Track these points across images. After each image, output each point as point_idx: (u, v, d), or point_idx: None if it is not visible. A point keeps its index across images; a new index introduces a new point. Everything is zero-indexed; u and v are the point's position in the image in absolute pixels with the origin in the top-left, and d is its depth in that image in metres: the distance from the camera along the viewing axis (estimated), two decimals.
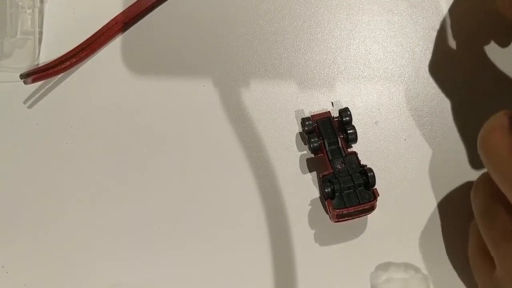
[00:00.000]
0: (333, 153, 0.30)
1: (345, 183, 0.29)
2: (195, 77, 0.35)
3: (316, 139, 0.31)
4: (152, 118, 0.34)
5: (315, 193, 0.32)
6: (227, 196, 0.33)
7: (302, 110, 0.34)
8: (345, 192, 0.29)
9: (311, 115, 0.32)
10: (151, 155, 0.34)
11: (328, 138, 0.30)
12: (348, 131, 0.31)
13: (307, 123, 0.31)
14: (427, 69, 0.34)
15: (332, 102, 0.34)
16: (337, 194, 0.29)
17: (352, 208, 0.28)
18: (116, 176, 0.33)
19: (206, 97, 0.35)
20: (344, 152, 0.30)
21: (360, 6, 0.36)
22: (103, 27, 0.36)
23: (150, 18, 0.37)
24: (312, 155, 0.32)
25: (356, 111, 0.34)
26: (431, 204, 0.32)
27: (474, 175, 0.32)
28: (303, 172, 0.33)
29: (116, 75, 0.35)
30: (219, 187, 0.33)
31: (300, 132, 0.33)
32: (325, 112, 0.32)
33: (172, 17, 0.37)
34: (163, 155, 0.34)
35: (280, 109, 0.34)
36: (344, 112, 0.31)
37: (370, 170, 0.29)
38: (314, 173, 0.33)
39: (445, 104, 0.34)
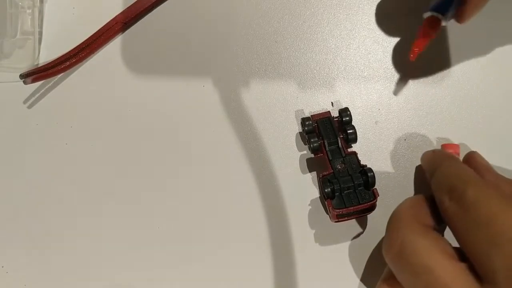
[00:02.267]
0: (333, 153, 0.30)
1: (345, 183, 0.29)
2: (195, 77, 0.35)
3: (316, 139, 0.30)
4: (152, 118, 0.34)
5: (315, 193, 0.32)
6: (227, 196, 0.33)
7: (302, 110, 0.34)
8: (345, 192, 0.29)
9: (311, 115, 0.32)
10: (151, 155, 0.34)
11: (328, 138, 0.30)
12: (348, 131, 0.31)
13: (307, 123, 0.31)
14: (427, 69, 0.34)
15: (332, 102, 0.34)
16: (337, 194, 0.29)
17: (352, 208, 0.28)
18: (116, 176, 0.33)
19: (206, 97, 0.35)
20: (344, 152, 0.30)
21: (360, 6, 0.36)
22: (103, 27, 0.36)
23: (150, 18, 0.37)
24: (312, 155, 0.32)
25: (356, 111, 0.34)
26: None
27: None
28: (303, 172, 0.33)
29: (116, 75, 0.35)
30: (219, 187, 0.33)
31: (300, 132, 0.33)
32: (325, 112, 0.32)
33: (172, 17, 0.37)
34: (163, 155, 0.34)
35: (280, 109, 0.34)
36: (344, 112, 0.31)
37: (370, 170, 0.29)
38: (314, 173, 0.33)
39: (445, 103, 0.34)
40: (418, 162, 0.33)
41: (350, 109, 0.31)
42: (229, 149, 0.33)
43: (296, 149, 0.33)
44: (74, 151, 0.34)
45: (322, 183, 0.29)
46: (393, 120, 0.34)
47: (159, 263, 0.32)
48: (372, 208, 0.29)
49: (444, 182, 0.24)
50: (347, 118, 0.31)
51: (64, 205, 0.33)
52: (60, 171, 0.34)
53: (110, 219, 0.33)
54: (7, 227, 0.33)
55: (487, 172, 0.28)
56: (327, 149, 0.30)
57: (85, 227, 0.33)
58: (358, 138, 0.31)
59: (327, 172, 0.29)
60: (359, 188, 0.29)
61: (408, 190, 0.32)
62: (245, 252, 0.31)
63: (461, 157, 0.31)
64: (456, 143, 0.32)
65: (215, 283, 0.31)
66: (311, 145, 0.30)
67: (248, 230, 0.32)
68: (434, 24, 0.30)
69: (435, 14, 0.29)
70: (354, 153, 0.30)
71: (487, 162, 0.29)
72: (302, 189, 0.32)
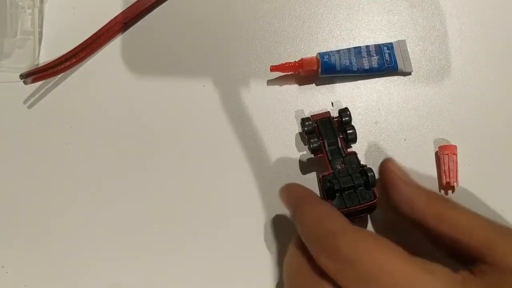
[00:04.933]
0: (332, 153, 0.30)
1: (345, 183, 0.28)
2: (195, 77, 0.35)
3: (316, 139, 0.30)
4: (152, 118, 0.34)
5: (315, 192, 0.32)
6: (227, 196, 0.33)
7: (302, 110, 0.34)
8: (345, 192, 0.29)
9: (311, 115, 0.32)
10: (151, 155, 0.34)
11: (328, 138, 0.30)
12: (348, 131, 0.31)
13: (306, 123, 0.31)
14: (427, 69, 0.34)
15: (332, 102, 0.34)
16: (337, 194, 0.29)
17: (352, 208, 0.28)
18: (116, 176, 0.33)
19: (206, 97, 0.35)
20: (344, 152, 0.30)
21: (360, 6, 0.36)
22: (103, 27, 0.36)
23: (150, 18, 0.37)
24: (312, 155, 0.32)
25: (356, 111, 0.34)
26: None
27: (473, 172, 0.32)
28: (303, 172, 0.33)
29: (116, 75, 0.35)
30: (219, 187, 0.33)
31: (300, 132, 0.33)
32: (325, 112, 0.32)
33: (172, 17, 0.37)
34: (163, 155, 0.34)
35: (280, 109, 0.34)
36: (344, 112, 0.31)
37: (370, 170, 0.29)
38: (314, 173, 0.33)
39: (445, 104, 0.34)
40: (417, 163, 0.33)
41: (350, 109, 0.31)
42: (229, 149, 0.33)
43: (296, 149, 0.33)
44: (74, 151, 0.34)
45: (322, 183, 0.29)
46: (393, 120, 0.34)
47: (159, 263, 0.32)
48: (372, 208, 0.29)
49: (313, 237, 0.23)
50: (347, 118, 0.31)
51: (64, 205, 0.33)
52: (60, 171, 0.34)
53: (110, 219, 0.33)
54: (7, 227, 0.33)
55: (402, 183, 0.27)
56: (327, 149, 0.30)
57: (85, 226, 0.33)
58: (358, 138, 0.31)
59: (327, 173, 0.29)
60: (359, 188, 0.29)
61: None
62: (244, 252, 0.31)
63: (458, 158, 0.32)
64: (454, 143, 0.33)
65: (214, 283, 0.31)
66: (311, 146, 0.30)
67: (248, 230, 0.32)
68: (312, 67, 0.33)
69: (319, 58, 0.33)
70: (354, 153, 0.30)
71: (401, 171, 0.28)
72: None
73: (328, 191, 0.28)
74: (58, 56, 0.35)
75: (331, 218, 0.23)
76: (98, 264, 0.32)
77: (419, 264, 0.21)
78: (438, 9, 0.36)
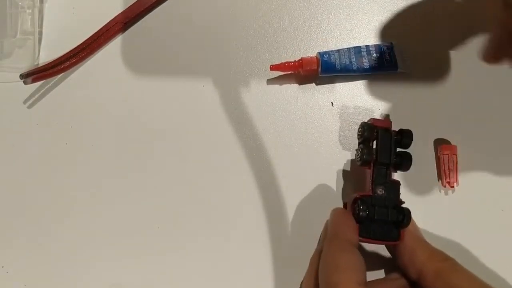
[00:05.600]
0: (379, 174, 0.28)
1: (379, 215, 0.26)
2: (195, 77, 0.35)
3: (370, 151, 0.28)
4: (152, 118, 0.34)
5: (315, 192, 0.32)
6: (227, 196, 0.33)
7: (303, 110, 0.34)
8: (375, 223, 0.27)
9: (371, 119, 0.29)
10: (151, 155, 0.34)
11: (384, 157, 0.28)
12: (405, 157, 0.28)
13: (366, 127, 0.28)
14: (427, 68, 0.34)
15: (332, 102, 0.34)
16: (367, 221, 0.27)
17: (376, 241, 0.27)
18: (116, 176, 0.33)
19: (206, 97, 0.35)
20: (389, 176, 0.28)
21: (360, 6, 0.36)
22: (103, 27, 0.36)
23: (150, 18, 0.37)
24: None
25: (356, 111, 0.34)
26: (431, 204, 0.32)
27: (473, 172, 0.32)
28: (303, 172, 0.33)
29: (116, 75, 0.35)
30: (219, 187, 0.33)
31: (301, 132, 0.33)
32: (386, 121, 0.29)
33: (172, 17, 0.37)
34: (163, 155, 0.34)
35: (280, 109, 0.34)
36: (407, 134, 0.28)
37: (408, 212, 0.26)
38: (314, 172, 0.33)
39: (445, 104, 0.34)
40: (417, 162, 0.33)
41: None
42: (229, 149, 0.33)
43: (296, 149, 0.33)
44: (74, 151, 0.34)
45: (360, 205, 0.27)
46: (393, 120, 0.33)
47: (159, 263, 0.32)
48: (392, 245, 0.28)
49: (322, 278, 0.24)
50: (408, 143, 0.28)
51: (64, 205, 0.33)
52: (60, 171, 0.34)
53: (110, 219, 0.33)
54: (7, 227, 0.33)
55: (408, 233, 0.27)
56: (376, 167, 0.28)
57: (85, 226, 0.33)
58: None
59: (365, 194, 0.27)
60: (389, 224, 0.27)
61: (407, 189, 0.32)
62: (244, 252, 0.31)
63: (458, 158, 0.32)
64: (454, 143, 0.33)
65: (214, 283, 0.31)
66: (363, 156, 0.28)
67: (248, 230, 0.32)
68: (312, 66, 0.33)
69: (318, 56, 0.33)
70: (398, 183, 0.28)
71: (412, 223, 0.27)
72: (302, 188, 0.32)
73: (363, 216, 0.26)
74: (58, 56, 0.35)
75: (344, 270, 0.24)
76: (98, 264, 0.32)
77: None
78: (438, 9, 0.36)
